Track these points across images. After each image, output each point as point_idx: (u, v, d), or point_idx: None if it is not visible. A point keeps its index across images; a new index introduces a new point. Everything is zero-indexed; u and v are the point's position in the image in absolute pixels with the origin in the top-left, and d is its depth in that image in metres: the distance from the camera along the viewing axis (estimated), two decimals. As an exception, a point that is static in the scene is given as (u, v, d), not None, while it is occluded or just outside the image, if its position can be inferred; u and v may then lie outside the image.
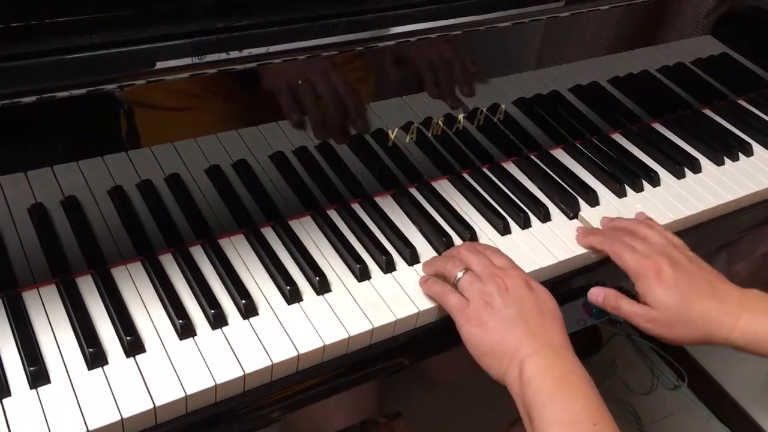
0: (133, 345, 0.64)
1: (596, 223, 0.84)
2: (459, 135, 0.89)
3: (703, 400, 1.55)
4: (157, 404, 0.60)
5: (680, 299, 0.71)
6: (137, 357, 0.63)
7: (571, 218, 0.85)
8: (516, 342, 0.65)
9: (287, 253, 0.75)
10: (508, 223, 0.83)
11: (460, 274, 0.70)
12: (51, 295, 0.67)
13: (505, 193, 0.87)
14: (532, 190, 0.88)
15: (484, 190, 0.87)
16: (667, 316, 0.72)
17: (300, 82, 0.73)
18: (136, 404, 0.60)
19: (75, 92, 0.60)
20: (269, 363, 0.65)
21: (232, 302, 0.69)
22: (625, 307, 0.75)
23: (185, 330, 0.66)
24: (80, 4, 0.60)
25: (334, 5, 0.69)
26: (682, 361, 1.57)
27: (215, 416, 0.64)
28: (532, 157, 0.94)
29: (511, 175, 0.90)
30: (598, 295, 0.77)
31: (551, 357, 0.64)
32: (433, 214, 0.82)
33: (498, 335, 0.66)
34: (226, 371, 0.63)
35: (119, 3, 0.62)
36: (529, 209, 0.85)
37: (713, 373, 1.54)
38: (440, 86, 0.83)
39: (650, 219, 0.83)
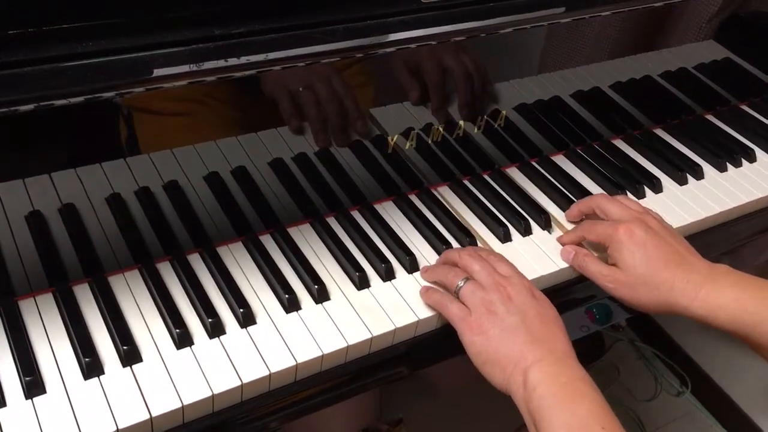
0: (130, 354, 0.63)
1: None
2: (459, 141, 0.88)
3: (707, 406, 1.54)
4: (154, 414, 0.59)
5: (647, 262, 0.72)
6: (134, 367, 0.63)
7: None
8: (519, 350, 0.64)
9: (286, 261, 0.75)
10: (508, 230, 0.82)
11: (461, 283, 0.70)
12: (48, 303, 0.67)
13: (506, 199, 0.86)
14: (533, 197, 0.88)
15: (485, 197, 0.86)
16: (631, 278, 0.72)
17: (299, 88, 0.73)
18: (132, 415, 0.59)
19: (72, 100, 0.60)
20: (267, 372, 0.64)
21: (230, 311, 0.69)
22: (591, 266, 0.76)
23: (182, 339, 0.65)
24: (77, 11, 0.60)
25: (333, 12, 0.68)
26: (686, 368, 1.56)
27: (213, 426, 0.63)
28: (533, 163, 0.93)
29: (512, 181, 0.90)
30: (569, 253, 0.78)
31: (556, 364, 0.64)
32: (433, 222, 0.82)
33: (500, 343, 0.65)
34: (224, 381, 0.63)
35: (117, 10, 0.61)
36: (530, 216, 0.84)
37: (717, 379, 1.53)
38: (440, 92, 0.83)
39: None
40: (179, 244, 0.73)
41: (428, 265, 0.76)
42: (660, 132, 1.02)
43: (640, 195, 0.90)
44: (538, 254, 0.80)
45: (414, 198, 0.85)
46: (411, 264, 0.76)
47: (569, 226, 0.84)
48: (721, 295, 0.70)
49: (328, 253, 0.77)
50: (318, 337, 0.68)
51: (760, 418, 1.48)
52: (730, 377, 1.53)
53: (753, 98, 1.12)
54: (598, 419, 0.60)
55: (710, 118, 1.07)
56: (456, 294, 0.70)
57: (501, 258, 0.74)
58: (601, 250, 0.78)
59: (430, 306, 0.72)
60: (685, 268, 0.72)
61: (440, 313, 0.71)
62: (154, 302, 0.69)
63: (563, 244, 0.81)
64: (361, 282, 0.73)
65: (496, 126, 0.90)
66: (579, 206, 0.83)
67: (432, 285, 0.74)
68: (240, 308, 0.68)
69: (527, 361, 0.63)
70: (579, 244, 0.80)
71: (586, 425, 0.60)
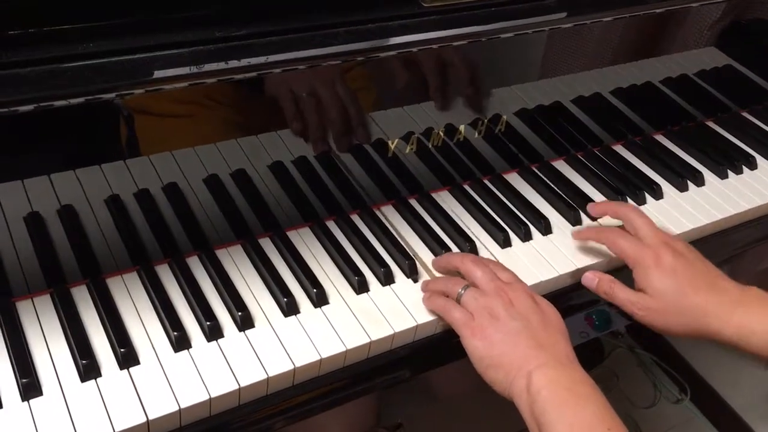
0: (127, 357, 0.63)
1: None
2: (460, 146, 0.88)
3: (706, 413, 1.54)
4: (150, 418, 0.59)
5: (677, 288, 0.71)
6: (131, 369, 0.63)
7: (572, 231, 0.85)
8: (523, 354, 0.64)
9: (285, 264, 0.75)
10: (508, 235, 0.82)
11: (462, 290, 0.70)
12: (45, 305, 0.67)
13: (506, 205, 0.86)
14: (533, 203, 0.87)
15: (485, 202, 0.86)
16: (661, 305, 0.71)
17: (299, 91, 0.73)
18: (128, 418, 0.59)
19: (72, 101, 0.60)
20: (265, 376, 0.64)
21: (228, 314, 0.69)
22: (619, 293, 0.74)
23: (180, 342, 0.65)
24: (78, 12, 0.60)
25: (334, 15, 0.68)
26: (685, 375, 1.56)
27: (210, 430, 0.63)
28: (534, 168, 0.93)
29: (513, 186, 0.89)
30: (592, 279, 0.77)
31: (559, 368, 0.64)
32: (432, 226, 0.82)
33: (504, 348, 0.65)
34: (221, 384, 0.62)
35: (118, 12, 0.61)
36: (530, 221, 0.84)
37: (716, 386, 1.53)
38: (442, 97, 0.83)
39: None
40: (178, 247, 0.73)
41: (427, 279, 0.76)
42: (661, 138, 1.02)
43: (641, 201, 0.90)
44: (537, 260, 0.80)
45: (414, 202, 0.85)
46: (410, 268, 0.76)
47: (569, 231, 0.84)
48: (754, 320, 0.69)
49: (328, 257, 0.76)
50: (316, 341, 0.67)
51: (759, 425, 1.47)
52: (729, 385, 1.52)
53: (754, 105, 1.12)
54: (603, 420, 0.60)
55: (711, 124, 1.07)
56: (458, 301, 0.70)
57: (501, 265, 0.74)
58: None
59: (432, 312, 0.72)
60: (717, 292, 0.71)
61: (443, 319, 0.71)
62: (152, 305, 0.68)
63: (578, 239, 0.80)
64: (360, 286, 0.73)
65: (496, 131, 0.90)
66: (606, 207, 0.82)
67: (434, 292, 0.73)
68: (238, 311, 0.68)
69: (530, 365, 0.63)
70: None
71: (591, 426, 0.60)
